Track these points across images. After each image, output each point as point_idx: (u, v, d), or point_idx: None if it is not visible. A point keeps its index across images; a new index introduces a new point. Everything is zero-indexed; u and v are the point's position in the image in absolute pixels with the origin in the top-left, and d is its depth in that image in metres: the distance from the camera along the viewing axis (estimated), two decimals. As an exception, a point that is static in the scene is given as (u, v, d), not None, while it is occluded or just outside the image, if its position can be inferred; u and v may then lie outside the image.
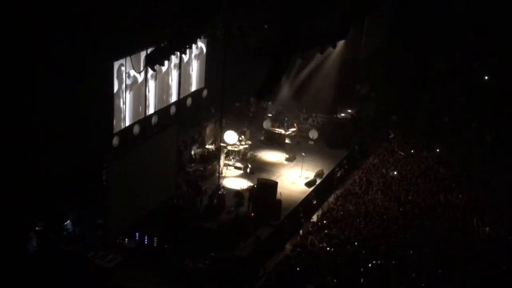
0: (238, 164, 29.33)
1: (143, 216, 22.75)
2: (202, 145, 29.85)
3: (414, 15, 35.77)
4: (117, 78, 25.61)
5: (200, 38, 28.02)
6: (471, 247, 23.00)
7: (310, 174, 29.14)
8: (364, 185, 27.58)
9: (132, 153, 23.35)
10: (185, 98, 31.55)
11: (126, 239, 22.63)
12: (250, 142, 31.05)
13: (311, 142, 32.94)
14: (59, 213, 22.13)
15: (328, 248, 22.55)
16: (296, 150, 31.59)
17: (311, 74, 35.24)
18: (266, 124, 33.43)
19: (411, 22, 35.92)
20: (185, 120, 30.38)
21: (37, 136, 21.23)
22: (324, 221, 24.78)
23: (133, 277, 21.26)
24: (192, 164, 28.25)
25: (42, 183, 21.46)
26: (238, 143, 30.03)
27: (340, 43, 32.81)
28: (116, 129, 26.13)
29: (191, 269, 21.50)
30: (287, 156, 31.02)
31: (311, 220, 26.00)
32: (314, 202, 27.47)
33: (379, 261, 21.77)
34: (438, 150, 31.93)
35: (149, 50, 23.77)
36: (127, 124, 26.97)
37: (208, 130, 30.40)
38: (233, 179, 28.31)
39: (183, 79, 30.22)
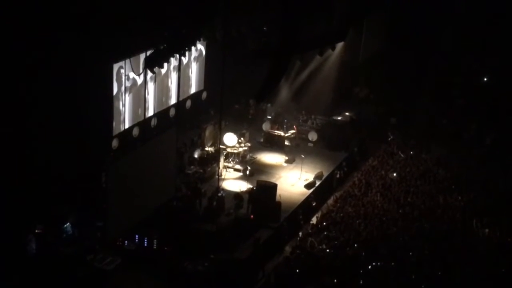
0: (238, 166, 29.34)
1: (143, 218, 22.75)
2: (202, 147, 29.86)
3: (413, 17, 35.76)
4: (117, 80, 25.62)
5: (199, 40, 28.04)
6: (471, 249, 22.99)
7: (309, 176, 29.15)
8: (363, 187, 27.59)
9: (132, 155, 23.35)
10: (185, 100, 31.57)
11: (126, 242, 22.61)
12: (249, 144, 31.07)
13: (310, 144, 32.95)
14: (59, 215, 22.09)
15: (327, 250, 22.54)
16: (295, 152, 31.60)
17: (310, 76, 35.26)
18: (266, 126, 33.44)
19: (410, 24, 35.92)
20: (184, 122, 30.40)
21: (36, 139, 21.24)
22: (324, 223, 24.77)
23: (132, 279, 21.24)
24: (192, 166, 28.25)
25: (41, 186, 21.45)
26: (237, 145, 30.04)
27: (339, 45, 32.85)
28: (115, 132, 26.13)
29: (191, 271, 21.48)
30: (287, 158, 31.03)
31: (311, 222, 25.98)
32: (314, 204, 27.47)
33: (378, 263, 21.76)
34: (437, 152, 31.91)
35: (148, 53, 23.78)
36: (127, 126, 26.97)
37: (207, 132, 30.39)
38: (233, 181, 28.31)
39: (182, 81, 30.22)
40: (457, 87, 37.22)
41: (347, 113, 34.86)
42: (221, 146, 28.56)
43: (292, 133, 33.15)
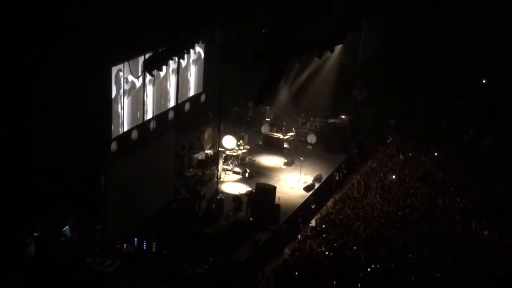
0: (237, 169, 29.35)
1: (142, 221, 22.73)
2: (200, 150, 29.86)
3: (412, 18, 35.76)
4: (115, 83, 25.59)
5: (198, 43, 28.01)
6: (470, 251, 22.98)
7: (308, 179, 29.15)
8: (363, 189, 27.58)
9: (130, 158, 23.33)
10: (183, 103, 31.53)
11: (125, 244, 22.59)
12: (248, 147, 31.07)
13: (309, 147, 32.93)
14: (58, 218, 22.09)
15: (326, 253, 22.53)
16: (294, 154, 31.59)
17: (309, 79, 35.27)
18: (265, 129, 33.43)
19: (409, 25, 35.92)
20: (183, 125, 30.38)
21: (35, 141, 21.23)
22: (323, 226, 24.76)
23: (131, 282, 21.24)
24: (191, 169, 28.25)
25: (40, 189, 21.43)
26: (236, 148, 30.04)
27: (338, 48, 32.82)
28: (114, 135, 26.08)
29: (190, 274, 21.47)
30: (286, 160, 31.03)
31: (310, 224, 25.98)
32: (313, 207, 27.46)
33: (378, 265, 21.75)
34: (436, 154, 31.92)
35: (147, 55, 23.77)
36: (125, 129, 26.94)
37: (206, 135, 30.41)
38: (232, 183, 28.32)
39: (181, 84, 30.22)
40: (456, 88, 37.19)
41: (343, 116, 34.89)
42: (220, 149, 28.56)
43: (291, 136, 33.14)
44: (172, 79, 29.73)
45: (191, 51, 27.01)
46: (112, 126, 25.87)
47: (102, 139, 25.05)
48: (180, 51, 23.31)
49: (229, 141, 29.80)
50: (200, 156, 29.09)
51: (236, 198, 25.99)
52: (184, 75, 31.23)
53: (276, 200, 25.69)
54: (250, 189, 26.84)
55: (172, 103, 30.10)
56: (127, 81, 26.25)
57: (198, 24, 22.84)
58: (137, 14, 22.65)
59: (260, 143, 33.07)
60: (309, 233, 24.57)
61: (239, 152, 30.09)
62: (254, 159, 31.04)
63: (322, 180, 29.27)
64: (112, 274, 21.21)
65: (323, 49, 27.62)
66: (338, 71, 35.14)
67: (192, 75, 32.13)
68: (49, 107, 21.34)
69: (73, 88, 21.78)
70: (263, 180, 28.12)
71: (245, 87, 30.66)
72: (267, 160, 31.38)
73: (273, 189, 25.91)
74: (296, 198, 27.47)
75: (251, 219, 25.01)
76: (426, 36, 36.11)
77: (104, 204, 21.52)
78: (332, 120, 34.41)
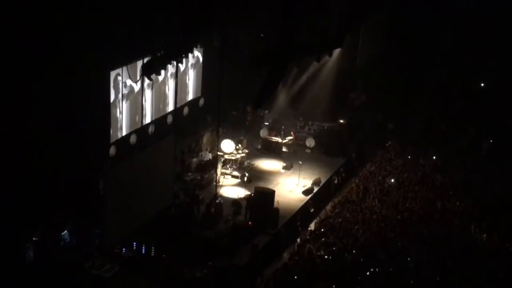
0: (235, 173, 29.34)
1: (141, 225, 22.72)
2: (199, 154, 29.87)
3: (410, 23, 35.82)
4: (114, 87, 25.59)
5: (196, 47, 28.05)
6: (469, 254, 22.98)
7: (307, 182, 29.14)
8: (361, 192, 27.58)
9: (129, 162, 23.34)
10: (182, 107, 31.54)
11: (124, 249, 22.57)
12: (247, 151, 31.07)
13: (308, 150, 32.96)
14: (56, 223, 22.08)
15: (325, 256, 22.52)
16: (293, 158, 31.58)
17: (307, 83, 35.30)
18: (263, 133, 33.45)
19: (407, 29, 35.98)
20: (182, 129, 30.39)
21: (33, 146, 21.21)
22: (322, 229, 24.75)
23: (130, 286, 21.21)
24: (189, 173, 28.25)
25: (38, 193, 21.41)
26: (235, 152, 30.04)
27: (336, 51, 32.87)
28: (112, 139, 26.08)
29: (189, 278, 21.45)
30: (284, 164, 31.03)
31: (309, 228, 25.97)
32: (312, 210, 27.46)
33: (377, 269, 21.74)
34: (434, 157, 31.95)
35: (145, 60, 23.77)
36: (124, 133, 26.93)
37: (205, 139, 30.41)
38: (230, 187, 28.30)
39: (179, 88, 30.26)
40: (455, 91, 37.23)
41: (341, 120, 34.95)
42: (218, 153, 28.55)
43: (290, 140, 33.15)
44: (171, 83, 29.74)
45: (190, 55, 27.05)
46: (111, 131, 25.86)
47: (100, 143, 25.04)
48: (179, 55, 23.33)
49: (227, 145, 29.81)
50: (206, 157, 29.08)
51: (235, 202, 25.99)
52: (183, 79, 31.23)
53: (275, 204, 25.68)
54: (249, 193, 26.82)
55: (170, 107, 30.10)
56: (125, 85, 26.25)
57: (196, 28, 22.85)
58: (135, 19, 22.68)
59: (259, 147, 33.08)
60: (308, 237, 24.57)
61: (238, 156, 30.09)
62: (252, 163, 31.04)
63: (321, 184, 29.26)
64: (111, 279, 21.18)
65: (322, 53, 27.65)
66: (336, 75, 35.17)
67: (191, 79, 32.13)
68: (48, 111, 21.33)
69: (71, 92, 21.79)
70: (262, 184, 28.11)
71: (243, 91, 30.71)
72: (265, 164, 31.38)
73: (271, 193, 25.90)
74: (295, 202, 27.46)
75: (250, 223, 24.99)
76: (425, 38, 36.18)
77: (103, 209, 21.52)
78: (328, 124, 34.46)
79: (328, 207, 27.65)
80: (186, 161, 28.76)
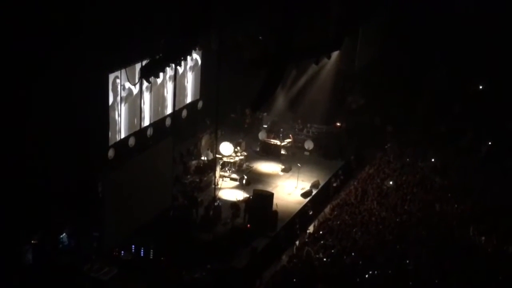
0: (234, 176, 29.34)
1: (139, 228, 22.70)
2: (198, 156, 29.88)
3: (408, 25, 35.85)
4: (112, 90, 25.60)
5: (194, 50, 28.05)
6: (467, 256, 22.98)
7: (306, 185, 29.14)
8: (360, 195, 27.58)
9: (128, 165, 23.32)
10: (180, 110, 31.55)
11: (122, 252, 22.55)
12: (245, 153, 31.07)
13: (306, 153, 32.96)
14: (55, 225, 22.06)
15: (324, 259, 22.52)
16: (291, 161, 31.59)
17: (306, 85, 35.31)
18: (262, 135, 33.46)
19: (406, 32, 36.01)
20: (180, 132, 30.38)
21: (32, 148, 21.22)
22: (320, 232, 24.76)
23: (129, 289, 21.23)
24: (188, 176, 28.24)
25: (37, 196, 21.41)
26: (233, 155, 30.03)
27: (335, 54, 32.86)
28: (111, 142, 26.09)
29: (188, 281, 21.44)
30: (283, 167, 31.03)
31: (307, 230, 25.96)
32: (310, 213, 27.45)
33: (375, 271, 21.73)
34: (433, 160, 31.96)
35: (144, 62, 23.77)
36: (123, 136, 26.94)
37: (203, 142, 30.41)
38: (229, 190, 28.30)
39: (178, 91, 30.27)
40: (454, 93, 37.26)
41: (338, 123, 34.96)
42: (217, 156, 28.55)
43: (288, 142, 33.16)
44: (169, 86, 29.74)
45: (188, 57, 27.07)
46: (109, 133, 25.88)
47: (99, 146, 25.04)
48: (177, 58, 23.31)
49: (226, 148, 29.79)
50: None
51: (234, 205, 25.99)
52: (181, 82, 31.25)
53: (274, 207, 25.68)
54: (248, 195, 26.81)
55: (169, 110, 30.12)
56: (124, 88, 26.26)
57: (195, 31, 22.85)
58: (134, 21, 22.67)
59: (258, 149, 33.09)
60: (306, 240, 24.56)
61: (237, 158, 30.09)
62: (251, 165, 31.04)
63: (320, 187, 29.26)
64: (110, 281, 21.15)
65: (320, 55, 27.64)
66: (335, 78, 35.18)
67: (189, 82, 32.15)
68: (46, 113, 21.34)
69: (70, 95, 21.80)
70: (260, 187, 28.11)
71: (242, 94, 30.70)
72: (264, 166, 31.38)
73: (270, 195, 25.91)
74: (294, 205, 27.45)
75: (248, 225, 24.99)
76: (424, 40, 36.20)
77: (102, 211, 21.49)
78: (327, 127, 34.48)
79: (327, 209, 27.65)
80: (187, 164, 28.76)
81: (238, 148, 30.75)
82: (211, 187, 27.08)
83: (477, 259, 22.88)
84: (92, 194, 22.99)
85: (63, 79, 21.31)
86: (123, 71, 25.54)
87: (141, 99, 27.64)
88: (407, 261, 22.41)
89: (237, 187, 28.60)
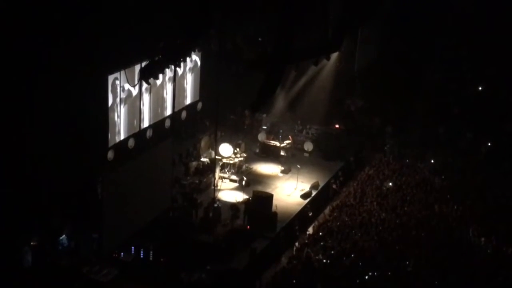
0: (234, 177, 29.33)
1: (139, 229, 22.70)
2: (197, 158, 29.88)
3: (407, 26, 35.86)
4: (112, 91, 25.62)
5: (194, 51, 28.07)
6: (467, 257, 22.98)
7: (305, 186, 29.14)
8: (360, 196, 27.58)
9: (127, 166, 23.32)
10: (180, 111, 31.58)
11: (122, 253, 22.54)
12: (245, 155, 31.07)
13: (306, 154, 32.97)
14: (54, 227, 22.05)
15: (324, 260, 22.51)
16: (291, 162, 31.60)
17: (305, 86, 35.32)
18: (261, 137, 33.47)
19: (405, 33, 36.02)
20: (180, 133, 30.37)
21: (31, 150, 21.21)
22: (320, 233, 24.74)
23: (129, 291, 21.21)
24: (188, 177, 28.24)
25: (37, 197, 21.40)
26: (233, 156, 30.03)
27: (334, 55, 32.91)
28: (111, 143, 26.12)
29: (187, 283, 21.42)
30: (282, 168, 31.03)
31: (307, 232, 25.95)
32: (310, 214, 27.44)
33: (375, 272, 21.73)
34: (432, 161, 31.96)
35: (143, 64, 23.79)
36: (122, 137, 26.95)
37: (203, 143, 30.41)
38: (229, 191, 28.29)
39: (177, 92, 30.29)
40: (453, 95, 37.27)
41: (336, 125, 34.98)
42: (216, 157, 28.55)
43: (288, 143, 33.17)
44: (169, 87, 29.77)
45: (188, 59, 27.10)
46: (109, 135, 25.89)
47: (98, 147, 25.04)
48: (177, 59, 23.34)
49: (226, 149, 29.80)
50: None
51: (233, 206, 25.96)
52: (181, 83, 31.27)
53: (273, 208, 25.69)
54: (247, 197, 26.83)
55: (168, 111, 30.15)
56: (123, 90, 26.28)
57: (194, 32, 22.86)
58: (133, 23, 22.68)
59: (257, 151, 33.09)
60: (306, 241, 24.54)
61: (236, 160, 30.09)
62: (251, 167, 31.03)
63: (319, 188, 29.26)
64: (109, 283, 21.13)
65: (320, 57, 27.64)
66: (334, 79, 35.20)
67: (189, 83, 32.17)
68: (46, 115, 21.34)
69: (69, 96, 21.80)
70: (260, 188, 28.12)
71: (241, 95, 30.70)
72: (264, 168, 31.38)
73: (270, 197, 25.92)
74: (293, 206, 27.45)
75: (248, 227, 24.98)
76: (423, 42, 36.21)
77: (101, 213, 21.49)
78: (327, 128, 34.48)
79: (327, 211, 27.64)
80: (188, 165, 28.77)
81: (238, 149, 30.76)
82: (211, 188, 27.11)
83: (476, 260, 22.87)
84: (92, 196, 22.98)
85: (63, 80, 21.31)
86: (122, 72, 25.57)
87: (141, 100, 27.67)
88: (407, 262, 22.40)
89: (236, 188, 28.60)
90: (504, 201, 27.56)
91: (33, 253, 21.12)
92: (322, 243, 23.67)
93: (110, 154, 25.92)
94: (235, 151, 30.36)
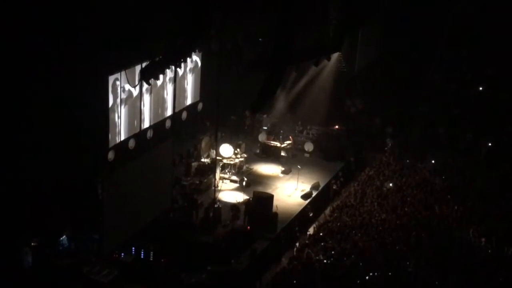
0: (234, 177, 29.33)
1: (139, 230, 22.70)
2: (198, 158, 29.87)
3: (407, 27, 35.87)
4: (112, 92, 25.59)
5: (194, 51, 28.05)
6: (468, 258, 22.97)
7: (306, 187, 29.14)
8: (360, 196, 27.57)
9: (128, 167, 23.31)
10: (180, 111, 31.56)
11: (122, 254, 22.54)
12: (245, 155, 31.08)
13: (306, 155, 32.98)
14: (55, 228, 22.05)
15: (324, 261, 22.51)
16: (291, 162, 31.61)
17: (306, 87, 35.32)
18: (262, 137, 33.48)
19: (405, 34, 36.03)
20: (180, 134, 30.35)
21: (32, 151, 21.20)
22: (321, 234, 24.74)
23: (129, 291, 21.22)
24: (188, 178, 28.23)
25: (37, 198, 21.39)
26: (233, 156, 30.03)
27: (335, 56, 32.90)
28: (111, 144, 26.08)
29: (187, 283, 21.42)
30: (283, 168, 31.03)
31: (308, 232, 25.95)
32: (310, 215, 27.44)
33: (376, 273, 21.72)
34: (433, 161, 31.95)
35: (143, 64, 23.78)
36: (122, 138, 26.93)
37: (203, 144, 30.40)
38: (229, 192, 28.30)
39: (178, 92, 30.28)
40: (453, 95, 37.28)
41: (336, 126, 34.98)
42: (217, 157, 28.55)
43: (288, 144, 33.18)
44: (169, 87, 29.75)
45: (188, 59, 27.08)
46: (109, 135, 25.87)
47: (99, 148, 25.02)
48: (177, 60, 23.33)
49: (226, 150, 29.80)
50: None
51: (234, 207, 25.96)
52: (181, 83, 31.26)
53: (274, 209, 25.68)
54: (248, 197, 26.83)
55: (169, 111, 30.12)
56: (124, 90, 26.25)
57: (195, 33, 22.85)
58: (133, 24, 22.67)
59: (258, 151, 33.10)
60: (307, 241, 24.54)
61: (237, 160, 30.09)
62: (251, 167, 31.04)
63: (320, 188, 29.26)
64: (110, 284, 21.13)
65: (320, 57, 27.64)
66: (335, 79, 35.20)
67: (189, 83, 32.16)
68: (46, 116, 21.33)
69: (70, 97, 21.78)
70: (260, 189, 28.12)
71: (242, 96, 30.68)
72: (264, 168, 31.38)
73: (270, 197, 25.92)
74: (294, 206, 27.45)
75: (248, 227, 24.97)
76: (423, 42, 36.22)
77: (101, 214, 21.49)
78: (327, 129, 34.49)
79: (327, 211, 27.64)
80: (188, 165, 28.75)
81: (238, 150, 30.76)
82: (211, 189, 27.08)
83: (476, 261, 22.87)
84: (92, 196, 22.97)
85: (63, 81, 21.31)
86: (123, 73, 25.54)
87: (141, 101, 27.65)
88: (407, 263, 22.40)
89: (237, 189, 28.60)
90: (504, 202, 27.54)
91: (33, 253, 21.13)
92: (322, 244, 23.67)
93: (111, 155, 25.89)
94: (236, 151, 30.36)
